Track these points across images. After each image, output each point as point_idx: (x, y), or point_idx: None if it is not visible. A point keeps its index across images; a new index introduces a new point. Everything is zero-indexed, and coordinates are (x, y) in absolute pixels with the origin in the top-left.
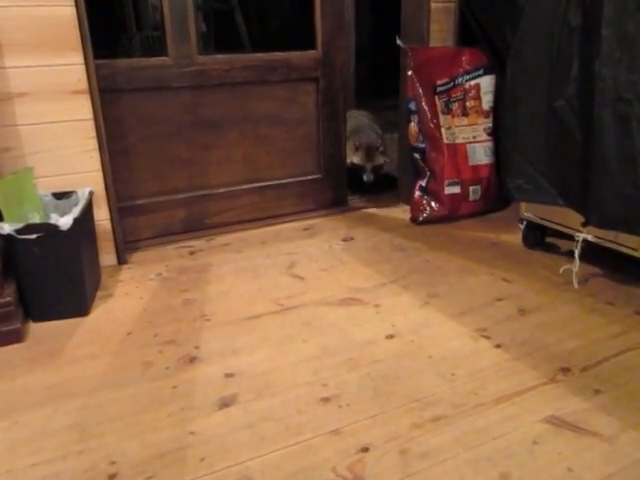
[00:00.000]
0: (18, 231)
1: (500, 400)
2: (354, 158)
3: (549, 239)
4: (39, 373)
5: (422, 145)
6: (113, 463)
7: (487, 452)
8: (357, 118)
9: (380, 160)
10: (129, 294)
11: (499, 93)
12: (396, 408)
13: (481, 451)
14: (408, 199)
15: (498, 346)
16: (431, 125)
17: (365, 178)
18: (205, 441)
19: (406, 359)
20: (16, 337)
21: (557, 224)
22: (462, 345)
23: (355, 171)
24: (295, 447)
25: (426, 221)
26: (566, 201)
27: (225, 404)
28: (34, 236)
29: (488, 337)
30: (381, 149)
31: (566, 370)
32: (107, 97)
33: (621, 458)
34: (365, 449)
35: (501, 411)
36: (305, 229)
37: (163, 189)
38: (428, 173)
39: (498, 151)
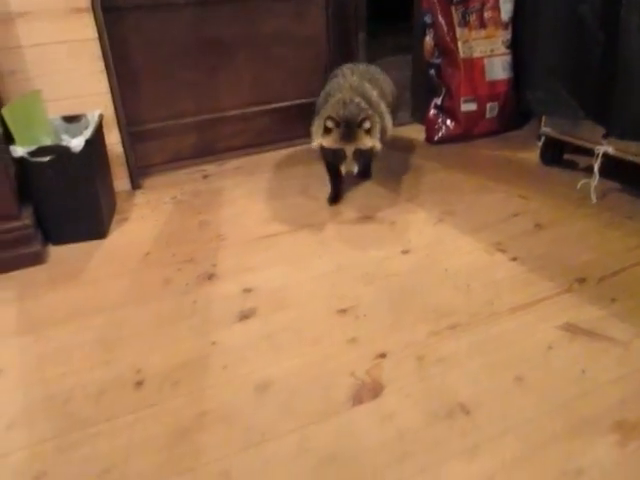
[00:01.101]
0: (31, 154)
1: (515, 309)
2: (324, 141)
3: (567, 156)
4: (62, 292)
5: (437, 61)
6: (139, 372)
7: (502, 357)
8: (344, 82)
9: (366, 142)
10: (145, 217)
11: (519, 2)
12: (412, 318)
13: (496, 356)
14: (422, 119)
15: (514, 259)
16: (447, 39)
17: (343, 169)
18: (226, 351)
19: (421, 273)
20: (37, 259)
21: (577, 138)
22: (477, 259)
23: (330, 159)
24: (314, 355)
25: (441, 140)
26: (587, 113)
27: (244, 316)
28: (47, 158)
29: (504, 251)
30: (366, 125)
31: (582, 280)
32: (110, 16)
33: (635, 361)
34: (382, 355)
35: (516, 319)
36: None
37: (172, 113)
38: (444, 90)
39: (516, 65)
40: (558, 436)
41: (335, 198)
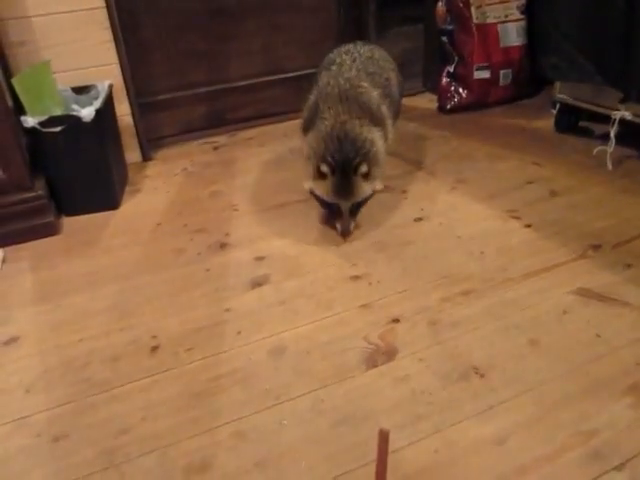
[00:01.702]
0: (42, 124)
1: (529, 275)
2: (316, 187)
3: (582, 124)
4: (76, 262)
5: (450, 27)
6: (154, 337)
7: (516, 321)
8: (335, 83)
9: (365, 190)
10: (156, 188)
11: None
12: (425, 284)
13: (510, 321)
14: (434, 88)
15: (528, 226)
16: (460, 4)
17: (339, 228)
18: (240, 317)
19: (435, 240)
20: (51, 230)
21: (593, 104)
22: (491, 225)
23: (323, 207)
24: (327, 320)
25: (454, 109)
26: (604, 78)
27: (257, 284)
28: (58, 129)
29: (518, 218)
30: (364, 170)
31: (597, 247)
32: None
33: None
34: (396, 320)
35: (530, 285)
36: None
37: (182, 84)
38: (456, 58)
39: (531, 30)
40: (572, 398)
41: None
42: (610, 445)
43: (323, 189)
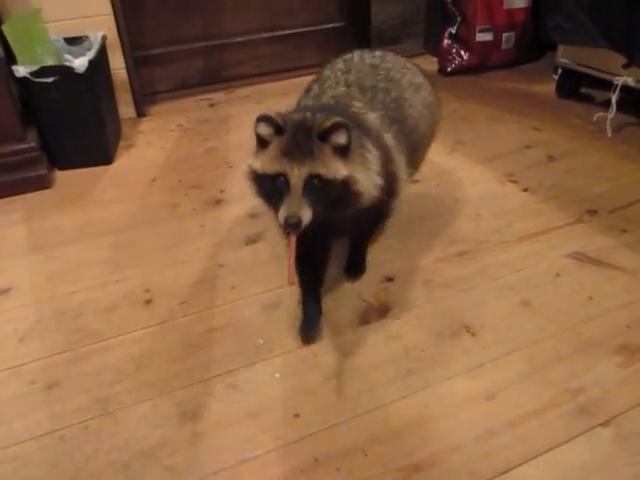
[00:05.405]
0: (34, 74)
1: (524, 238)
2: (254, 161)
3: (583, 90)
4: (70, 214)
5: None
6: (148, 291)
7: (509, 282)
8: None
9: (336, 168)
10: (151, 144)
11: None
12: (420, 245)
13: (503, 281)
14: (435, 50)
15: (525, 190)
16: None
17: (281, 215)
18: (234, 272)
19: (430, 201)
20: (43, 182)
21: (595, 69)
22: (488, 188)
23: (266, 199)
24: None
25: (455, 71)
26: (608, 41)
27: (252, 240)
28: (50, 79)
29: (515, 181)
30: (339, 140)
31: (593, 212)
32: None
33: None
34: (389, 279)
35: (525, 247)
36: None
37: (178, 38)
38: (459, 18)
39: None
40: (562, 357)
41: (310, 327)
42: (597, 402)
43: (265, 158)
